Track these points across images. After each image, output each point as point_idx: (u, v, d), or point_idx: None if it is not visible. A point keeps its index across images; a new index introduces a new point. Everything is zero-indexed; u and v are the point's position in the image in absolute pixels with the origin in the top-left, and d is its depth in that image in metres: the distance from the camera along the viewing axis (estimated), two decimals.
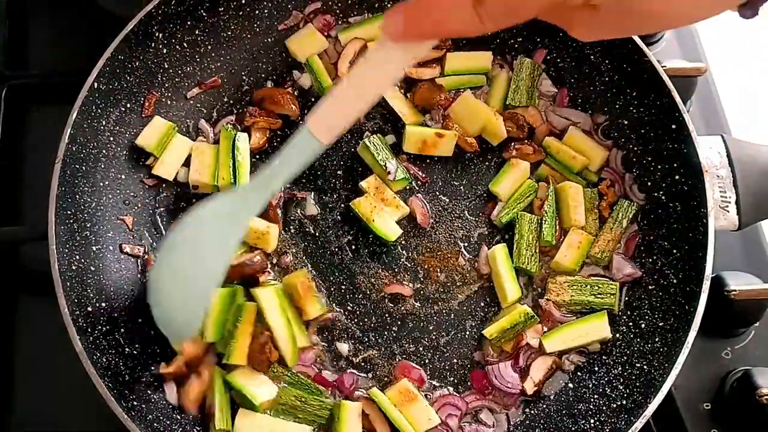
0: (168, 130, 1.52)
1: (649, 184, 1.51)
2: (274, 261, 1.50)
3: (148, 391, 1.37)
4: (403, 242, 1.53)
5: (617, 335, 1.46)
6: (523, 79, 1.60)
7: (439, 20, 0.92)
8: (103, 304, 1.39)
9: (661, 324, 1.41)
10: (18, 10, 1.76)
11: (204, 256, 1.24)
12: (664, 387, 1.29)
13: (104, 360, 1.31)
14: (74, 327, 1.27)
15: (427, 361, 1.45)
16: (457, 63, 1.62)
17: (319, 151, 1.13)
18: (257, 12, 1.61)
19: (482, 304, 1.49)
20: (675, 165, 1.46)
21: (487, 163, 1.59)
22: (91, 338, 1.31)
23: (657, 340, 1.40)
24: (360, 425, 1.37)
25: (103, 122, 1.46)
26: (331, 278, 1.50)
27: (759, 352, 1.51)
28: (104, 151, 1.47)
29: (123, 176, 1.51)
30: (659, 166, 1.50)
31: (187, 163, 1.54)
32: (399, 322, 1.48)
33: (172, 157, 1.53)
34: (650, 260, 1.48)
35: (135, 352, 1.40)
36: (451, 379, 1.45)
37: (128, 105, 1.50)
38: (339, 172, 1.58)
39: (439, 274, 1.51)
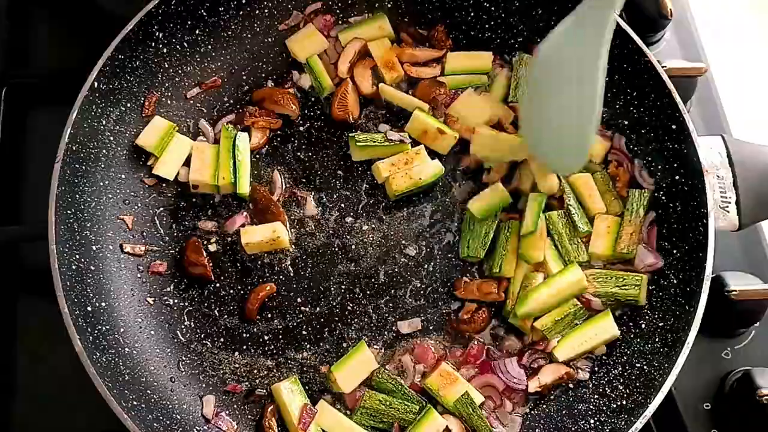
0: (168, 130, 1.52)
1: None
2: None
3: (148, 391, 1.37)
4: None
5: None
6: (524, 75, 1.60)
7: None
8: (103, 304, 1.39)
9: (661, 324, 1.41)
10: (18, 10, 1.76)
11: (570, 75, 1.24)
12: (664, 387, 1.29)
13: (104, 360, 1.31)
14: (74, 327, 1.27)
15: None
16: (458, 63, 1.62)
17: None
18: (257, 12, 1.61)
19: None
20: (675, 165, 1.46)
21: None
22: (91, 338, 1.31)
23: (657, 340, 1.40)
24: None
25: (103, 122, 1.46)
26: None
27: (759, 352, 1.51)
28: (104, 151, 1.47)
29: (123, 176, 1.51)
30: (659, 166, 1.50)
31: (187, 162, 1.54)
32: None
33: (173, 156, 1.53)
34: None
35: (135, 351, 1.40)
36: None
37: (128, 105, 1.50)
38: (339, 172, 1.58)
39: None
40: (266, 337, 1.46)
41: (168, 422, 1.35)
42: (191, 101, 1.59)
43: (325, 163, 1.58)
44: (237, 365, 1.45)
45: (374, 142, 1.54)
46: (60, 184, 1.35)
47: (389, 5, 1.65)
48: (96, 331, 1.34)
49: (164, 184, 1.54)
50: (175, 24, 1.52)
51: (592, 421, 1.39)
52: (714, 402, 1.47)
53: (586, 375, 1.44)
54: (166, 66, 1.55)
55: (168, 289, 1.48)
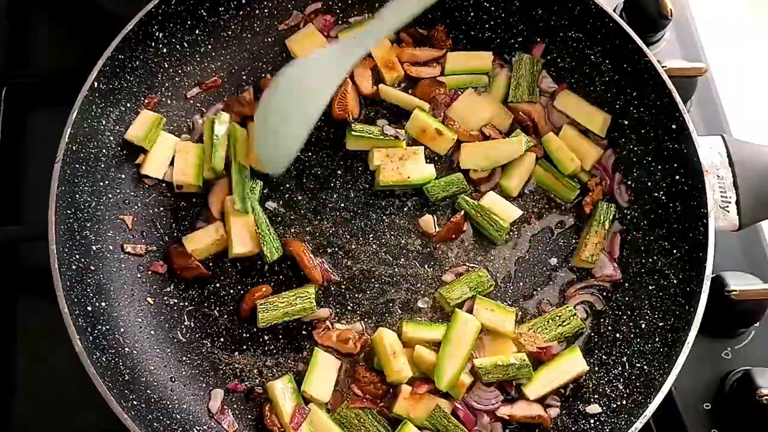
0: (155, 122, 1.50)
1: (649, 184, 1.51)
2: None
3: (148, 391, 1.37)
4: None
5: (617, 335, 1.46)
6: (524, 75, 1.60)
7: None
8: (103, 304, 1.39)
9: (661, 324, 1.41)
10: (18, 10, 1.76)
11: (303, 99, 1.42)
12: (664, 387, 1.29)
13: (104, 360, 1.31)
14: (74, 327, 1.27)
15: None
16: (458, 63, 1.62)
17: (427, 2, 1.25)
18: (257, 12, 1.61)
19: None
20: (675, 165, 1.46)
21: None
22: (91, 338, 1.31)
23: (657, 340, 1.40)
24: None
25: (103, 122, 1.46)
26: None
27: (759, 352, 1.51)
28: (104, 151, 1.47)
29: (123, 176, 1.51)
30: (659, 166, 1.50)
31: (174, 161, 1.53)
32: None
33: (160, 155, 1.52)
34: (650, 260, 1.48)
35: (135, 351, 1.40)
36: None
37: (128, 105, 1.50)
38: (338, 172, 1.58)
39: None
40: (266, 337, 1.46)
41: (168, 422, 1.35)
42: (191, 101, 1.59)
43: (325, 163, 1.58)
44: (237, 365, 1.45)
45: (370, 133, 1.54)
46: (60, 184, 1.35)
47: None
48: (96, 331, 1.34)
49: (164, 184, 1.54)
50: (175, 24, 1.52)
51: (592, 421, 1.39)
52: (714, 402, 1.47)
53: (556, 411, 1.42)
54: (166, 66, 1.55)
55: (168, 289, 1.48)
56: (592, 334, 1.48)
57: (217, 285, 1.49)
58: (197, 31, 1.56)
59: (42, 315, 1.52)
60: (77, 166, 1.41)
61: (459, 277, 1.49)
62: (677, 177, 1.46)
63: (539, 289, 1.51)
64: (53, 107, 1.59)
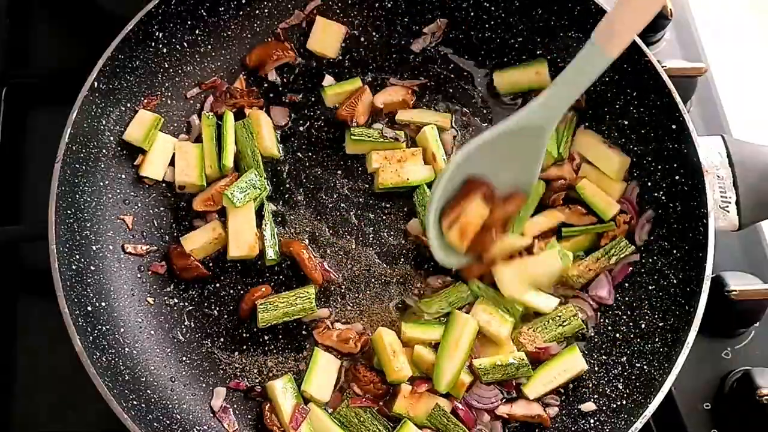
0: (154, 122, 1.50)
1: (649, 184, 1.51)
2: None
3: (148, 391, 1.37)
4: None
5: (617, 335, 1.46)
6: (568, 130, 1.56)
7: None
8: (103, 304, 1.39)
9: (661, 324, 1.41)
10: (18, 10, 1.76)
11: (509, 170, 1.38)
12: (664, 387, 1.29)
13: (104, 360, 1.31)
14: (74, 327, 1.27)
15: None
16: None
17: (605, 66, 1.23)
18: (257, 12, 1.61)
19: None
20: (675, 165, 1.46)
21: None
22: (91, 338, 1.31)
23: (657, 340, 1.40)
24: None
25: (103, 122, 1.46)
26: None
27: (759, 352, 1.51)
28: (104, 151, 1.47)
29: (123, 176, 1.51)
30: (659, 166, 1.50)
31: (173, 162, 1.53)
32: None
33: (159, 156, 1.52)
34: (650, 260, 1.48)
35: (135, 351, 1.40)
36: None
37: (128, 105, 1.50)
38: (338, 172, 1.58)
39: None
40: (266, 337, 1.46)
41: (168, 422, 1.35)
42: (191, 101, 1.59)
43: (325, 163, 1.58)
44: (237, 365, 1.45)
45: (369, 136, 1.54)
46: (60, 184, 1.35)
47: (389, 5, 1.65)
48: (96, 331, 1.34)
49: (164, 184, 1.54)
50: (175, 24, 1.52)
51: (592, 421, 1.39)
52: (714, 402, 1.47)
53: (555, 410, 1.42)
54: (166, 66, 1.55)
55: (168, 289, 1.48)
56: (592, 334, 1.48)
57: (217, 285, 1.49)
58: (197, 31, 1.56)
59: (42, 315, 1.52)
60: (77, 166, 1.41)
61: (442, 290, 1.47)
62: (677, 177, 1.46)
63: None
64: (53, 107, 1.60)
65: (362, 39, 1.66)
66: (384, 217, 1.55)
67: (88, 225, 1.43)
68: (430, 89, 1.63)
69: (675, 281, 1.42)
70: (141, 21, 1.45)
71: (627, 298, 1.48)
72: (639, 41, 1.46)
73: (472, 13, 1.63)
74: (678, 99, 1.43)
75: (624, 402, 1.37)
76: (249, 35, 1.62)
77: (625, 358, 1.43)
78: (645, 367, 1.38)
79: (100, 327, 1.36)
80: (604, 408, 1.39)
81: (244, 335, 1.46)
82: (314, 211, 1.55)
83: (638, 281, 1.48)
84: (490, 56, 1.64)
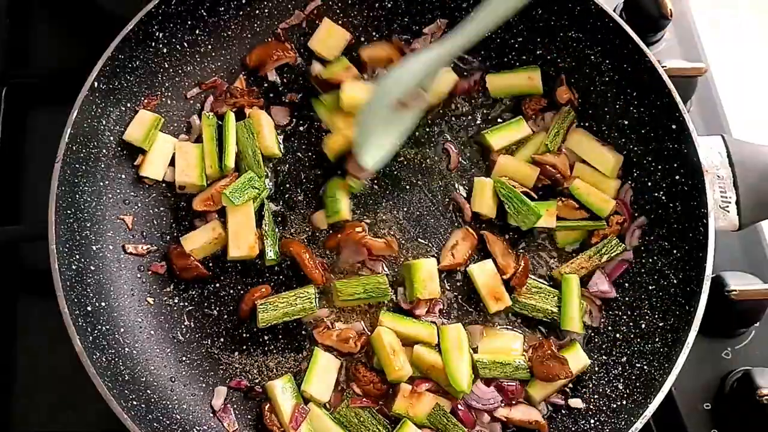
0: (153, 122, 1.50)
1: (649, 184, 1.51)
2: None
3: (148, 391, 1.37)
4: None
5: (617, 335, 1.46)
6: (562, 125, 1.57)
7: None
8: (103, 304, 1.39)
9: (661, 324, 1.41)
10: (18, 10, 1.76)
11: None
12: (664, 387, 1.29)
13: (104, 360, 1.31)
14: (74, 327, 1.27)
15: None
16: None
17: (518, 5, 1.31)
18: (257, 12, 1.61)
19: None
20: (675, 165, 1.46)
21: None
22: (90, 338, 1.31)
23: (657, 340, 1.40)
24: None
25: (103, 122, 1.46)
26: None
27: (759, 352, 1.51)
28: (104, 151, 1.47)
29: (123, 176, 1.51)
30: (659, 166, 1.50)
31: (173, 162, 1.53)
32: None
33: (158, 156, 1.52)
34: (650, 260, 1.48)
35: (135, 351, 1.40)
36: None
37: (128, 105, 1.50)
38: (338, 172, 1.58)
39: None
40: (266, 337, 1.46)
41: (168, 422, 1.35)
42: (191, 101, 1.59)
43: (325, 163, 1.58)
44: (237, 365, 1.45)
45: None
46: (60, 184, 1.35)
47: (389, 5, 1.65)
48: (96, 331, 1.34)
49: (164, 184, 1.54)
50: (175, 24, 1.52)
51: (592, 421, 1.39)
52: (714, 402, 1.47)
53: (567, 407, 1.43)
54: (166, 66, 1.55)
55: (168, 289, 1.48)
56: (592, 334, 1.48)
57: (217, 285, 1.49)
58: (197, 31, 1.56)
59: (42, 315, 1.52)
60: (77, 166, 1.41)
61: (362, 276, 1.48)
62: (677, 177, 1.46)
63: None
64: (53, 107, 1.60)
65: (362, 39, 1.66)
66: (385, 217, 1.55)
67: (88, 225, 1.43)
68: None
69: (675, 281, 1.43)
70: (141, 21, 1.45)
71: (627, 298, 1.49)
72: (639, 41, 1.46)
73: (472, 13, 1.63)
74: (678, 99, 1.43)
75: (624, 402, 1.37)
76: (249, 35, 1.62)
77: (625, 358, 1.43)
78: (645, 367, 1.39)
79: (100, 327, 1.36)
80: (604, 408, 1.39)
81: (244, 335, 1.46)
82: (314, 210, 1.55)
83: (638, 281, 1.49)
84: (490, 56, 1.64)
